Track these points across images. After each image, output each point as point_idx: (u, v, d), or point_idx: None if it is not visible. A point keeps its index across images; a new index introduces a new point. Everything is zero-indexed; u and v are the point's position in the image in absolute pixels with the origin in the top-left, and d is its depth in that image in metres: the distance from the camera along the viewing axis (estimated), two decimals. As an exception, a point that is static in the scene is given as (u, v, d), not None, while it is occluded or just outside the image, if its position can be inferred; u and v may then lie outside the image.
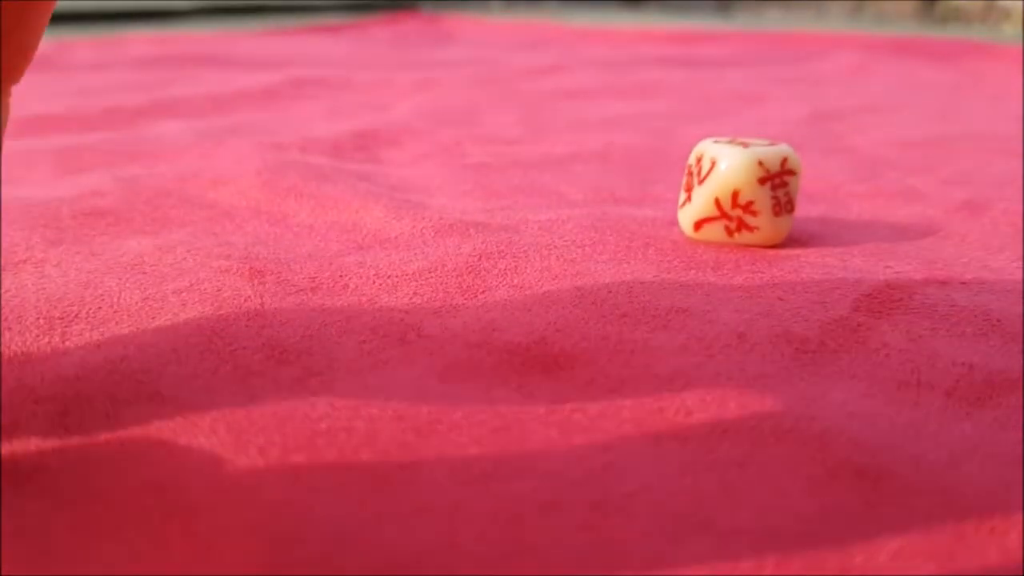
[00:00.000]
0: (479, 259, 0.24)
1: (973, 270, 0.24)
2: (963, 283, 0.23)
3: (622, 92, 0.59)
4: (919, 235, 0.28)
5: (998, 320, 0.21)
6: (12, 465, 0.15)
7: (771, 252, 0.25)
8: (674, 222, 0.28)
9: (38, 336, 0.20)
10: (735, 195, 0.25)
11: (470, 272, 0.23)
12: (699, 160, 0.26)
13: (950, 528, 0.13)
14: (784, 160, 0.25)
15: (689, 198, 0.26)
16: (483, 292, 0.22)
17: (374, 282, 0.23)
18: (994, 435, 0.16)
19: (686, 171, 0.27)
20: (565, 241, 0.25)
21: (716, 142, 0.26)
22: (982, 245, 0.27)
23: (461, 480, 0.14)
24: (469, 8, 1.44)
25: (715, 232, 0.26)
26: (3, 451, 0.15)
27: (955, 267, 0.24)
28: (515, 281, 0.23)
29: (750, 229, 0.26)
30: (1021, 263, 0.25)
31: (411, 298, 0.22)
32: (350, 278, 0.23)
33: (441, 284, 0.23)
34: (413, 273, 0.23)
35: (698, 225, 0.26)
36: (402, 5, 1.41)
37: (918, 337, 0.20)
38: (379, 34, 1.02)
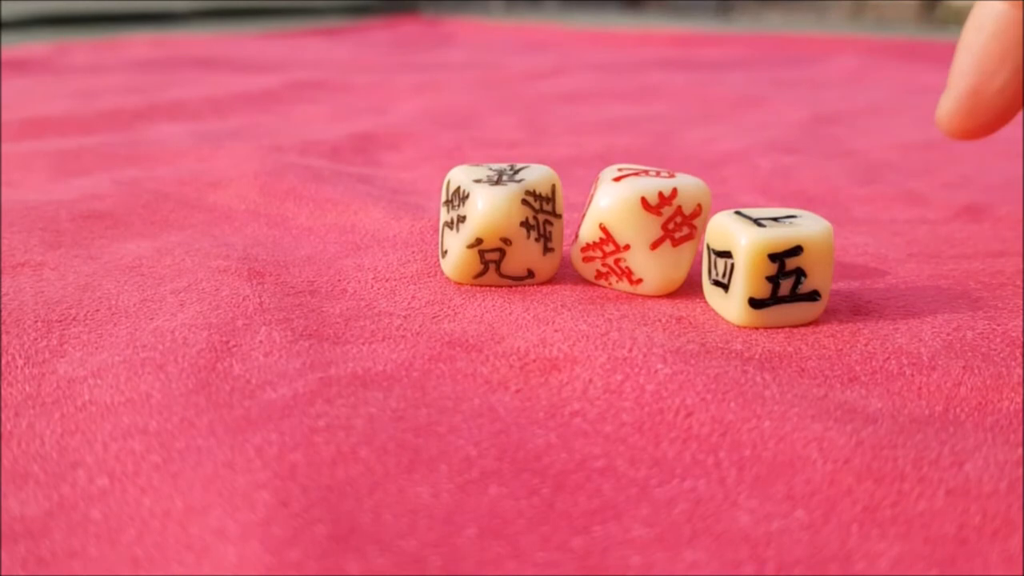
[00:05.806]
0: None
1: (974, 275, 0.24)
2: (964, 288, 0.23)
3: (622, 95, 0.59)
4: (920, 237, 0.28)
5: (999, 324, 0.20)
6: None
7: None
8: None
9: (36, 339, 0.20)
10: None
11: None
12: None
13: (952, 531, 0.13)
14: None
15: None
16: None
17: (372, 285, 0.23)
18: (995, 436, 0.16)
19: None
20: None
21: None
22: (984, 248, 0.27)
23: (461, 481, 0.14)
24: (469, 10, 1.44)
25: None
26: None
27: (957, 271, 0.24)
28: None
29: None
30: (1021, 267, 0.25)
31: (409, 301, 0.22)
32: (348, 281, 0.23)
33: (439, 285, 0.22)
34: (412, 275, 0.23)
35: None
36: (402, 7, 1.41)
37: (920, 341, 0.20)
38: (379, 37, 1.02)
